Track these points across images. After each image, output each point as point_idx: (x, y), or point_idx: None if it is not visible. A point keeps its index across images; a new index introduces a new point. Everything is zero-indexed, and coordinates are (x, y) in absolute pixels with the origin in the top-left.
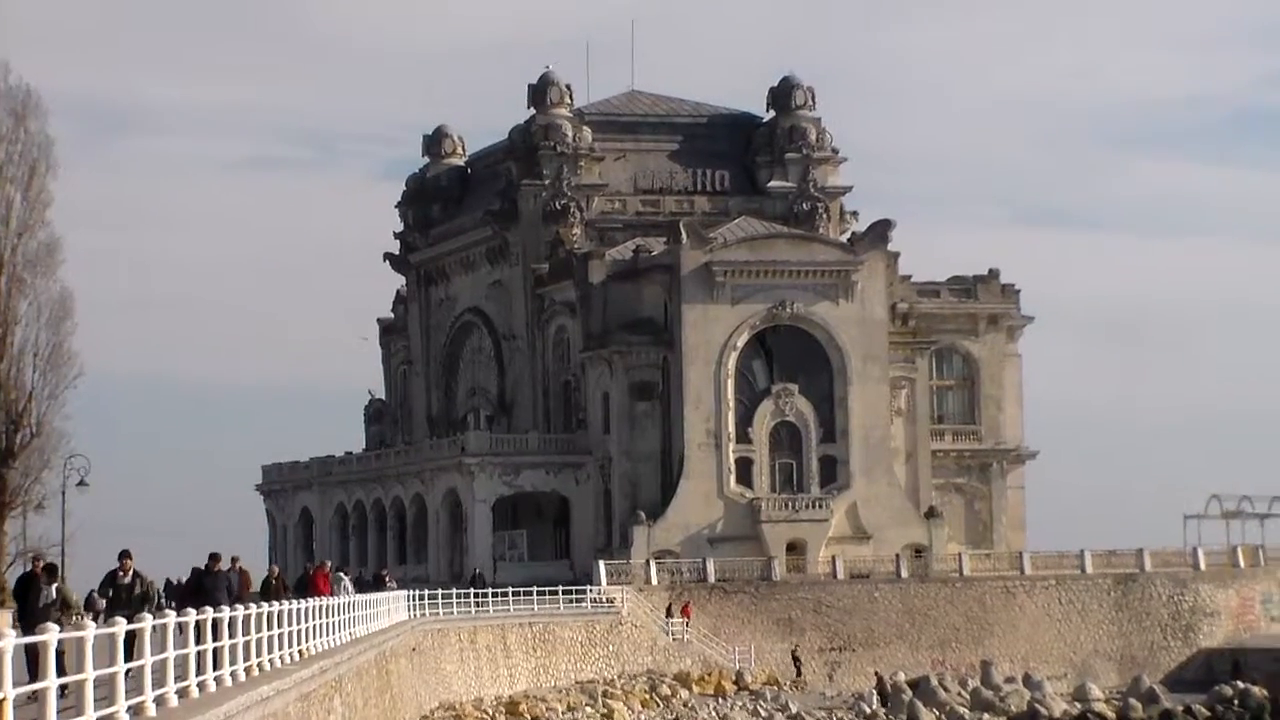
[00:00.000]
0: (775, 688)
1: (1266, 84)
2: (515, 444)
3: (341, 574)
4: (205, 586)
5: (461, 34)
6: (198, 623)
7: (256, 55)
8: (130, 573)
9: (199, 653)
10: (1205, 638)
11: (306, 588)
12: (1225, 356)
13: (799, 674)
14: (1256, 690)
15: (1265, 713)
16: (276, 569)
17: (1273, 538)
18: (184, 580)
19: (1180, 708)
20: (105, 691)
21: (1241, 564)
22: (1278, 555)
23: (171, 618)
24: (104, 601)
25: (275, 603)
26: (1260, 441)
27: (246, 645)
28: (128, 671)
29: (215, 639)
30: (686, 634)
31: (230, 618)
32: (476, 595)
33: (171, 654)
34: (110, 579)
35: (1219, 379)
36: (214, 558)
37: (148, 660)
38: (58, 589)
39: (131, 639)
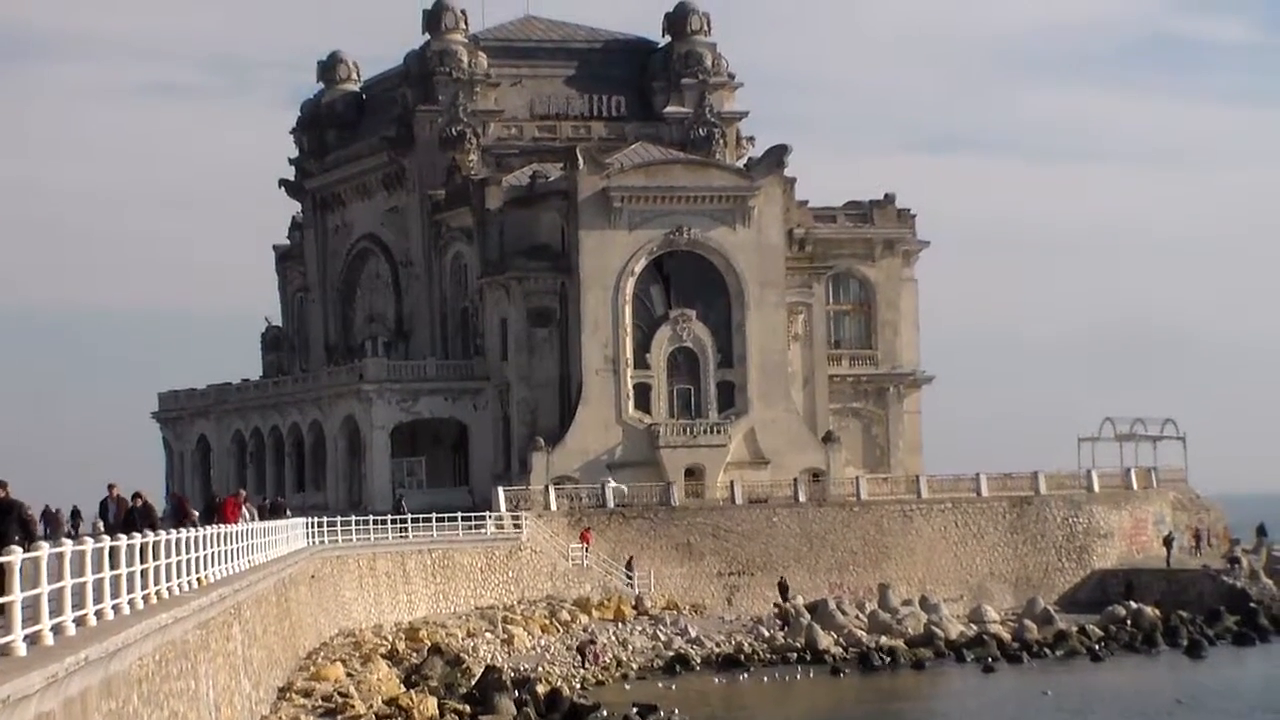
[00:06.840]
0: (675, 612)
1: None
2: (413, 371)
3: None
4: None
5: None
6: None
7: None
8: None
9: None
10: (1099, 559)
11: (213, 515)
12: (1119, 281)
13: (784, 601)
14: (1149, 610)
15: (1157, 632)
16: (145, 496)
17: (1165, 460)
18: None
19: (1074, 628)
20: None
21: (1135, 486)
22: (1170, 477)
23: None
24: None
25: (135, 533)
26: (1153, 364)
27: (144, 573)
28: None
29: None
30: (586, 559)
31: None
32: (400, 521)
33: (69, 582)
34: None
35: (1113, 303)
36: None
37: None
38: None
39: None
